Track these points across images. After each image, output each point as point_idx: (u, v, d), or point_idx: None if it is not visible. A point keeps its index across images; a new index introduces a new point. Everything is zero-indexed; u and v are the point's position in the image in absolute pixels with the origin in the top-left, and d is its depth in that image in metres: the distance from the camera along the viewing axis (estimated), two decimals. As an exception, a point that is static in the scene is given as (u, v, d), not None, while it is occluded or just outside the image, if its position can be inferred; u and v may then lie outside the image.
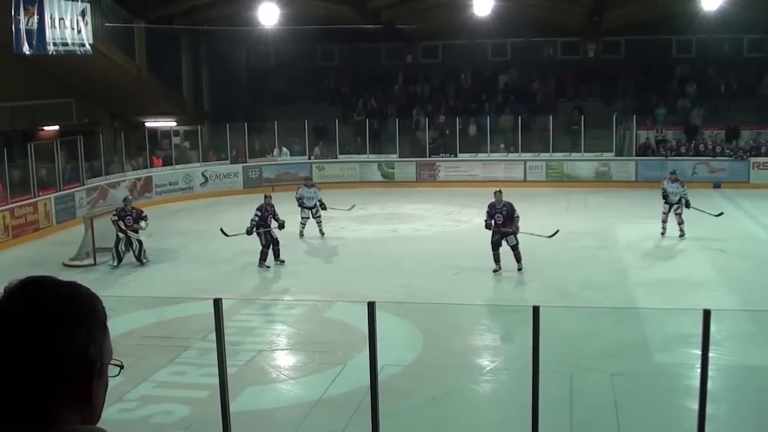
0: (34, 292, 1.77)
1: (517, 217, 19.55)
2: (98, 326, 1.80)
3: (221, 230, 21.98)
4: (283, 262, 21.10)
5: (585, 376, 12.96)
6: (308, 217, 24.28)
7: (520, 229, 19.53)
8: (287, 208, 24.56)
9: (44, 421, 1.70)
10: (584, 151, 33.74)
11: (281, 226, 21.10)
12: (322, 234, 24.32)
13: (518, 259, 19.36)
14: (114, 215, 21.66)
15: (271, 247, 20.92)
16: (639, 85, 37.45)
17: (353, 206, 25.85)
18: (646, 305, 16.57)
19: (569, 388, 12.19)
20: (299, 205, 24.32)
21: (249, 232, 20.94)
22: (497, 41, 38.91)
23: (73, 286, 1.82)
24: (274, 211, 21.32)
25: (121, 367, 1.91)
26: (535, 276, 19.23)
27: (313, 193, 24.41)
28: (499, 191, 20.01)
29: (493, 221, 19.56)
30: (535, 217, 26.34)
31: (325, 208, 24.43)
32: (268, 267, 20.79)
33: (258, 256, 20.78)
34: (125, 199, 22.32)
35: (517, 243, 19.43)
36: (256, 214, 21.02)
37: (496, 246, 19.47)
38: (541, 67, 39.01)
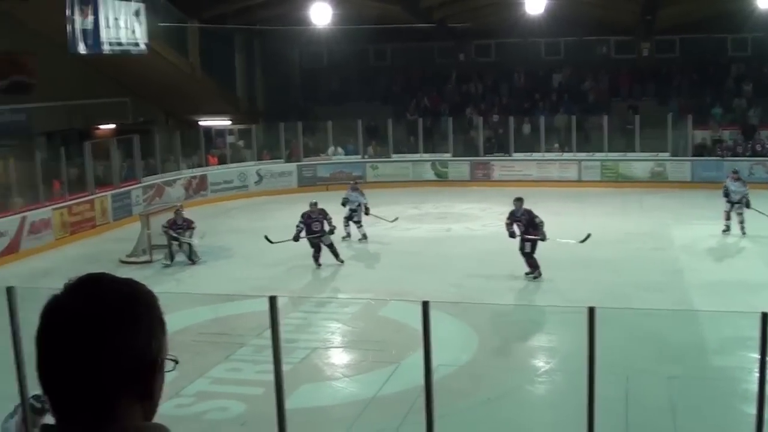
0: (95, 290, 1.79)
1: (541, 223, 19.15)
2: (157, 323, 1.83)
3: (265, 237, 22.06)
4: (343, 262, 21.14)
5: (641, 378, 12.85)
6: (350, 218, 24.25)
7: (547, 236, 19.18)
8: (343, 207, 24.68)
9: (107, 417, 1.73)
10: (639, 151, 33.40)
11: (330, 232, 21.12)
12: (364, 236, 24.20)
13: (532, 266, 19.07)
14: (165, 226, 21.86)
15: (321, 250, 21.01)
16: (694, 84, 36.98)
17: (396, 219, 25.62)
18: (703, 307, 16.36)
19: (625, 390, 12.09)
20: (343, 205, 24.29)
21: (295, 239, 21.03)
22: (550, 40, 38.60)
23: (132, 284, 1.85)
24: (324, 217, 21.21)
25: (176, 362, 1.93)
26: (591, 277, 19.09)
27: (356, 196, 24.35)
28: (519, 199, 19.63)
29: (516, 229, 19.33)
30: (589, 217, 26.26)
31: (367, 213, 24.33)
32: (320, 265, 20.89)
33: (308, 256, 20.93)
34: (177, 211, 22.43)
35: (532, 252, 19.11)
36: (300, 222, 21.12)
37: (526, 254, 19.17)
38: (594, 66, 38.68)
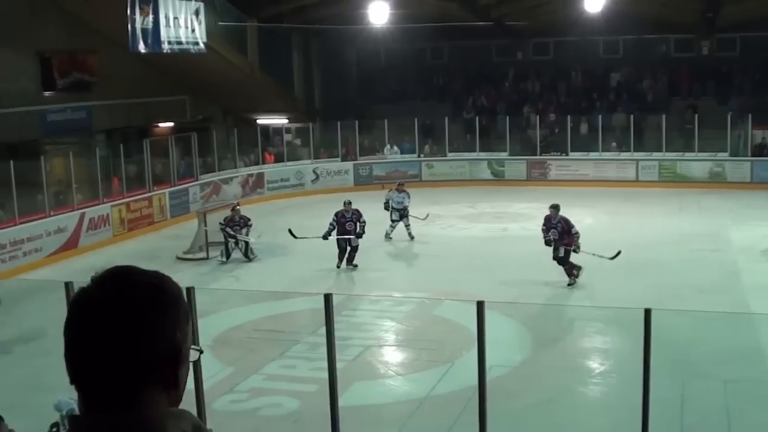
0: (122, 282, 1.83)
1: (576, 233, 18.76)
2: (182, 313, 1.86)
3: (289, 231, 22.15)
4: (356, 266, 20.94)
5: (697, 381, 12.73)
6: (398, 220, 24.06)
7: (581, 248, 18.80)
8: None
9: (133, 406, 1.76)
10: (698, 151, 32.98)
11: (359, 235, 21.01)
12: (411, 237, 24.14)
13: (569, 274, 18.77)
14: (222, 223, 22.05)
15: (346, 252, 21.01)
16: (755, 83, 36.43)
17: (428, 215, 25.38)
18: (761, 310, 16.14)
19: (680, 393, 11.98)
20: (385, 209, 24.22)
21: (324, 237, 21.07)
22: (609, 38, 38.27)
23: (159, 276, 1.88)
24: (358, 218, 21.18)
25: (201, 351, 1.96)
26: (647, 278, 18.91)
27: (402, 198, 24.26)
28: (555, 206, 19.30)
29: (551, 236, 19.07)
30: (646, 218, 26.06)
31: (406, 216, 24.19)
32: (338, 267, 20.85)
33: (363, 254, 20.97)
34: (234, 209, 22.60)
35: (567, 257, 18.82)
36: (332, 220, 21.19)
37: (561, 260, 18.93)
38: (653, 65, 38.26)
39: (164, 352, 1.80)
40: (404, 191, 24.37)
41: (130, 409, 1.76)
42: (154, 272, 1.89)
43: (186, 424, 1.82)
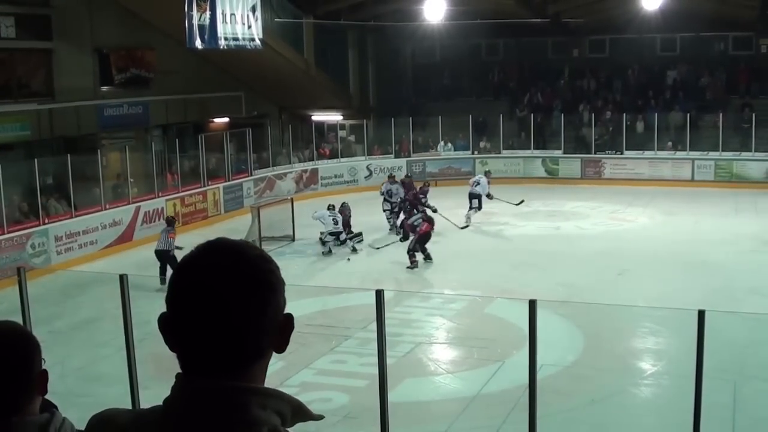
0: (233, 253, 1.82)
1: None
2: (282, 282, 1.86)
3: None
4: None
5: (750, 384, 12.57)
6: (389, 210, 24.94)
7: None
8: (449, 203, 24.71)
9: (241, 376, 1.78)
10: (755, 151, 32.49)
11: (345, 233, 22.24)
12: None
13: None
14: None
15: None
16: (815, 82, 35.83)
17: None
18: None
19: (732, 396, 11.83)
20: (385, 200, 25.12)
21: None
22: (666, 36, 37.84)
23: (257, 248, 1.88)
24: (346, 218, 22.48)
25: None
26: (702, 279, 18.71)
27: (396, 189, 25.03)
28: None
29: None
30: (701, 217, 25.78)
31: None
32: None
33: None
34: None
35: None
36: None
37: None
38: (711, 63, 37.75)
39: (281, 319, 1.83)
40: (396, 182, 24.99)
41: (234, 378, 1.77)
42: (246, 242, 1.90)
43: (284, 406, 1.82)
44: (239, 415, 1.75)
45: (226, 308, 1.75)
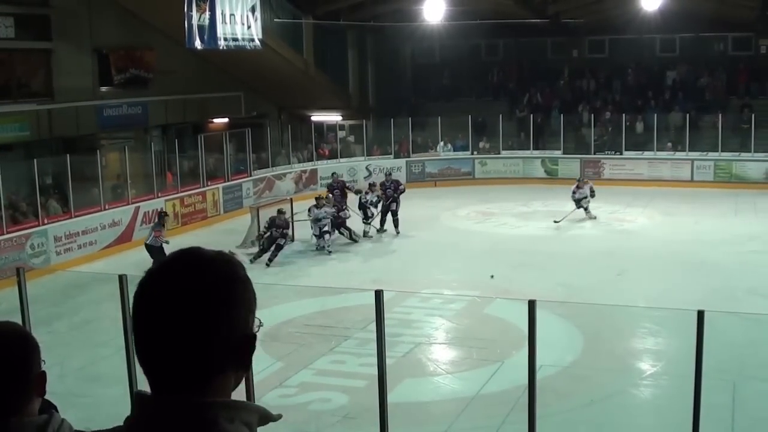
0: (193, 266, 1.80)
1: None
2: (252, 295, 1.87)
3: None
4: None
5: (749, 385, 12.57)
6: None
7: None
8: (449, 203, 24.68)
9: (204, 390, 1.76)
10: (754, 152, 32.48)
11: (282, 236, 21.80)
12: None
13: None
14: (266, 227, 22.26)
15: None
16: (815, 82, 35.82)
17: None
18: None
19: (732, 397, 11.83)
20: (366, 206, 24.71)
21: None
22: (665, 36, 37.82)
23: (228, 258, 1.87)
24: (285, 224, 22.04)
25: (261, 324, 1.94)
26: (701, 279, 18.71)
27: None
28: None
29: None
30: (700, 218, 25.77)
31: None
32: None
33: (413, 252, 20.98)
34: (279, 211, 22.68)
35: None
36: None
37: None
38: (710, 63, 37.73)
39: (239, 336, 1.81)
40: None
41: (200, 394, 1.75)
42: (220, 253, 1.86)
43: (252, 416, 1.82)
44: (207, 429, 1.73)
45: (178, 324, 1.73)
